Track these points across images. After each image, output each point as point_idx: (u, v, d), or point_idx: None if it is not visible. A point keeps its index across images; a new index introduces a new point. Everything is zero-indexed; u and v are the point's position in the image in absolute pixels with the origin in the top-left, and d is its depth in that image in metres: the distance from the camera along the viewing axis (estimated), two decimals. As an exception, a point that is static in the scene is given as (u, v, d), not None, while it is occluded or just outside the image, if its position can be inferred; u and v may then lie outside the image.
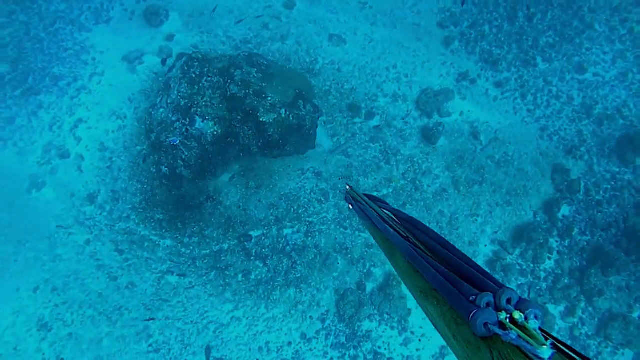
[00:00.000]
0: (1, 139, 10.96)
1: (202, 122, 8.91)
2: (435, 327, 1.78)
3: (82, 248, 9.98)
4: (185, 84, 9.22)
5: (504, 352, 1.29)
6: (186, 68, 9.34)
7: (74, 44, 11.95)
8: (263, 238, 10.15)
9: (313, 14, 12.65)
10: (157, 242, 10.09)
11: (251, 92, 9.02)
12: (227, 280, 9.83)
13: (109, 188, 10.51)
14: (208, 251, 10.09)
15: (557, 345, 1.25)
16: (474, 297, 1.47)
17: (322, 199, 10.41)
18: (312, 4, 12.76)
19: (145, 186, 10.49)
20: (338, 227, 10.29)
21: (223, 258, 10.01)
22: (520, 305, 1.41)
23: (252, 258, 10.01)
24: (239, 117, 9.14)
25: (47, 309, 9.47)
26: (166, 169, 9.47)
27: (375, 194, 10.46)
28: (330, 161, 10.88)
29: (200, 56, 9.47)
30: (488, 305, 1.43)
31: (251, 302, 9.66)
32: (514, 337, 1.27)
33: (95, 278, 9.72)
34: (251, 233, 10.19)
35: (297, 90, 9.62)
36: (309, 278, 9.85)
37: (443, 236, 2.22)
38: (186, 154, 9.14)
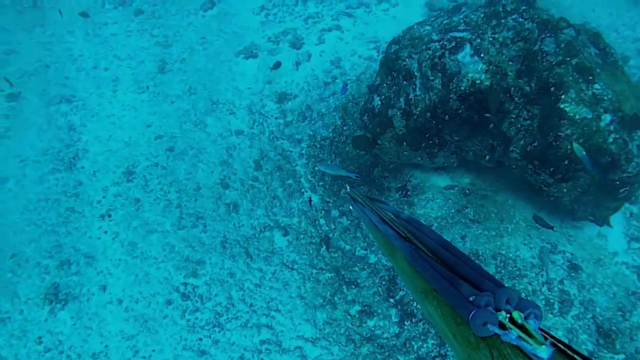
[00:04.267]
0: (262, 8, 9.67)
1: (471, 55, 5.29)
2: (436, 328, 1.68)
3: (228, 134, 7.56)
4: (481, 13, 5.82)
5: (503, 352, 1.21)
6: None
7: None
8: (426, 290, 5.91)
9: None
10: (303, 190, 6.95)
11: (573, 62, 4.98)
12: (336, 299, 5.94)
13: (307, 102, 7.89)
14: (348, 247, 6.41)
15: (556, 345, 1.17)
16: (473, 297, 1.37)
17: (548, 306, 5.56)
18: None
19: (344, 127, 7.53)
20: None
21: (356, 269, 6.17)
22: (520, 305, 1.30)
23: (391, 300, 5.88)
24: (526, 88, 5.19)
25: (147, 161, 7.34)
26: (379, 102, 6.21)
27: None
28: (607, 265, 5.87)
29: (529, -7, 5.92)
30: (487, 305, 1.32)
31: (338, 353, 5.51)
32: (514, 336, 1.19)
33: (209, 170, 7.12)
34: (415, 271, 6.07)
35: (652, 115, 5.12)
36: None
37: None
38: (417, 93, 5.66)
